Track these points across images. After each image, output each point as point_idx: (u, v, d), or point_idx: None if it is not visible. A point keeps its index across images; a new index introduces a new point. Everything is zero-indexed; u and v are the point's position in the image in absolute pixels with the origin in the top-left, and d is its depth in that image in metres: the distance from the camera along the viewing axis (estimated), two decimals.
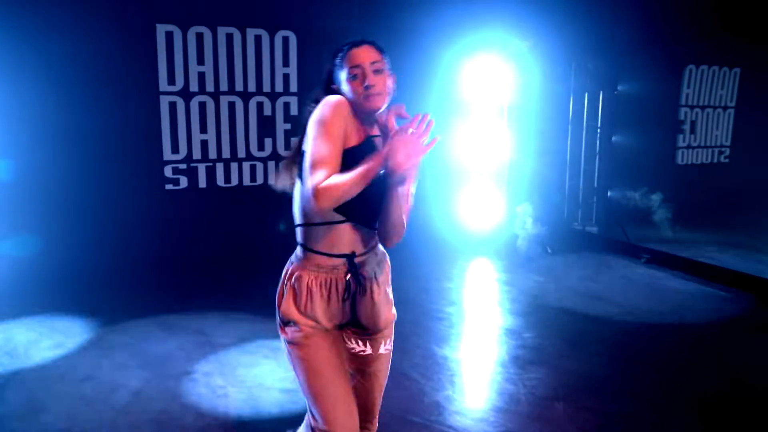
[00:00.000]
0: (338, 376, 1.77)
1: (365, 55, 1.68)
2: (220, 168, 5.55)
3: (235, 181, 5.63)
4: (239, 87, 5.51)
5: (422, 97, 5.98)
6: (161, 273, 5.08)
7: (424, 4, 5.68)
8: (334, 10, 5.68)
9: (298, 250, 1.78)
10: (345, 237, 1.72)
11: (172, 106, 5.32)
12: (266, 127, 5.71)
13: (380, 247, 1.86)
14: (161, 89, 5.24)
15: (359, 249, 1.75)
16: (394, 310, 1.92)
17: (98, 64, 4.92)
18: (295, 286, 1.75)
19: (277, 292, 1.80)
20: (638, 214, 6.68)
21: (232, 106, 5.54)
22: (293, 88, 5.74)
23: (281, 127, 5.78)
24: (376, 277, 1.80)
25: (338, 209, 1.64)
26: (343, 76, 1.69)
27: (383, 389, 1.93)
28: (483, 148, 6.13)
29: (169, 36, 5.20)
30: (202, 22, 5.28)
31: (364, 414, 1.89)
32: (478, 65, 5.95)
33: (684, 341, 3.82)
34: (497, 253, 5.86)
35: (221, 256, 5.36)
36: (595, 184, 6.82)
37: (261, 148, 5.75)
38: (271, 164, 5.79)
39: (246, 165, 5.69)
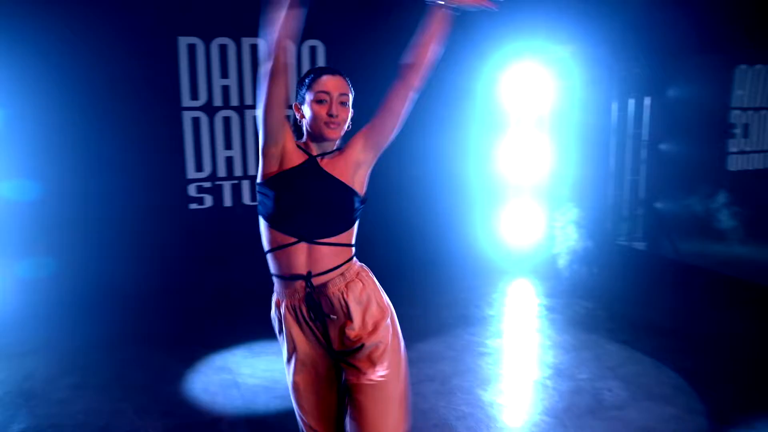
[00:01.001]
0: (312, 403, 1.82)
1: (336, 84, 1.76)
2: (246, 186, 5.29)
3: (246, 200, 5.36)
4: None
5: (461, 109, 5.68)
6: (183, 298, 4.85)
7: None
8: (363, 19, 5.37)
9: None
10: (299, 258, 1.73)
11: (195, 121, 5.07)
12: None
13: (354, 267, 1.80)
14: (183, 104, 5.00)
15: (317, 269, 1.73)
16: (384, 338, 1.77)
17: (118, 80, 4.70)
18: (276, 317, 1.84)
19: None
20: (688, 226, 6.24)
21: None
22: None
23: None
24: (345, 299, 1.74)
25: (286, 230, 1.71)
26: (308, 97, 1.76)
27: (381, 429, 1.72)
28: (523, 160, 5.76)
29: (192, 49, 4.95)
30: (225, 33, 5.02)
31: None
32: (517, 74, 5.59)
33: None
34: (539, 272, 5.49)
35: (248, 279, 5.10)
36: (642, 196, 6.39)
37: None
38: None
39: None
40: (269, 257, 1.78)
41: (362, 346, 1.73)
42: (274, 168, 1.74)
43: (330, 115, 1.73)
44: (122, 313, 4.55)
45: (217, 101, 5.10)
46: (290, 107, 1.78)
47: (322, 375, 1.81)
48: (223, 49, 5.05)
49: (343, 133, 1.80)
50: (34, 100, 4.47)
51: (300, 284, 1.73)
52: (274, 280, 1.80)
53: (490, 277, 5.41)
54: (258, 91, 1.69)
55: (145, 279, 4.82)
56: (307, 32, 5.16)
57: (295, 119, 1.83)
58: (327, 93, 1.74)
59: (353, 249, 1.82)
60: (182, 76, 4.95)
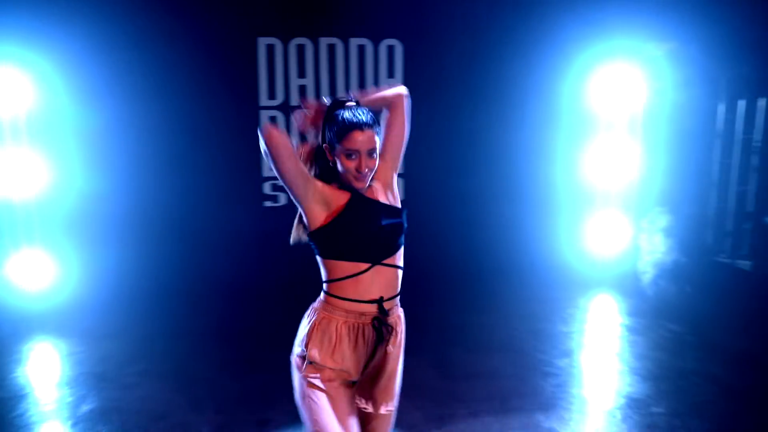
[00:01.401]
0: (345, 420, 1.85)
1: (365, 140, 1.80)
2: None
3: None
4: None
5: (547, 112, 5.38)
6: (254, 295, 4.96)
7: (544, 11, 5.05)
8: (443, 18, 5.22)
9: (323, 297, 1.89)
10: (370, 283, 1.84)
11: (272, 120, 5.16)
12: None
13: (400, 309, 1.96)
14: (261, 104, 5.10)
15: (387, 294, 1.86)
16: (398, 372, 1.96)
17: (198, 80, 4.87)
18: (324, 330, 1.85)
19: (303, 331, 1.89)
20: None
21: None
22: None
23: None
24: (397, 327, 1.91)
25: (355, 258, 1.82)
26: (338, 148, 1.82)
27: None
28: (613, 166, 5.36)
29: (270, 49, 5.03)
30: (303, 33, 5.05)
31: None
32: (607, 76, 5.19)
33: None
34: (624, 288, 5.09)
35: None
36: (750, 209, 5.72)
37: None
38: None
39: None
40: (333, 285, 1.86)
41: (384, 372, 1.89)
42: (323, 216, 1.84)
43: (358, 172, 1.81)
44: (191, 307, 4.72)
45: (294, 100, 5.16)
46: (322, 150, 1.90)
47: (348, 395, 1.90)
48: (300, 49, 5.09)
49: (369, 179, 1.88)
50: (127, 100, 4.73)
51: (370, 308, 1.84)
52: (335, 301, 1.85)
53: (571, 290, 5.09)
54: (270, 165, 1.78)
55: (220, 274, 4.98)
56: (385, 31, 5.18)
57: (324, 159, 1.90)
58: (356, 150, 1.80)
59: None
60: (260, 76, 5.05)
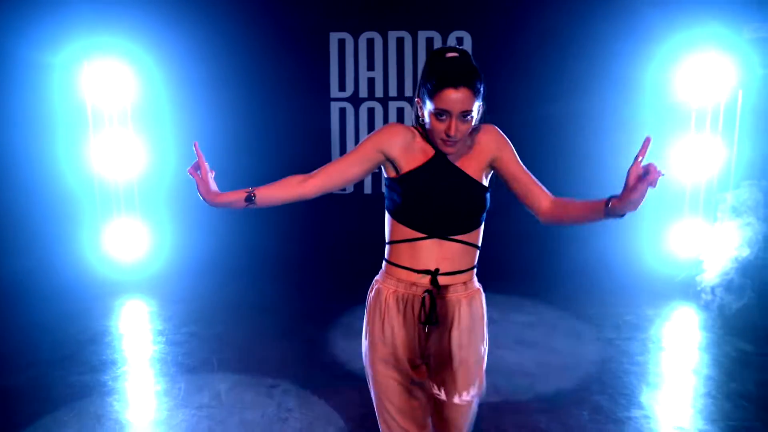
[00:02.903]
0: (403, 413, 1.77)
1: (459, 100, 1.58)
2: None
3: None
4: (408, 92, 5.32)
5: (630, 104, 5.02)
6: (312, 276, 5.22)
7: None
8: (515, 8, 5.08)
9: (383, 266, 1.81)
10: (427, 253, 1.71)
11: (342, 111, 5.39)
12: None
13: (476, 283, 1.80)
14: (332, 96, 5.35)
15: (444, 267, 1.72)
16: (479, 359, 1.81)
17: (277, 72, 5.25)
18: (376, 301, 1.78)
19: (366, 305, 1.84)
20: None
21: (400, 111, 5.38)
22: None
23: None
24: (460, 309, 1.74)
25: (415, 225, 1.70)
26: (429, 105, 1.62)
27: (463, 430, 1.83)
28: (694, 164, 4.84)
29: (341, 43, 5.27)
30: (373, 27, 5.22)
31: None
32: (695, 65, 4.69)
33: None
34: (704, 299, 4.55)
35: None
36: None
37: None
38: None
39: None
40: (392, 247, 1.76)
41: (453, 360, 1.75)
42: (398, 169, 1.72)
43: (448, 136, 1.61)
44: (251, 281, 5.10)
45: (363, 93, 5.34)
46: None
47: (409, 375, 1.79)
48: (370, 42, 5.27)
49: (459, 146, 1.68)
50: (216, 90, 5.24)
51: (423, 279, 1.72)
52: (390, 267, 1.77)
53: (648, 300, 4.61)
54: None
55: (283, 254, 5.32)
56: (454, 23, 5.17)
57: (420, 115, 1.72)
58: (448, 111, 1.59)
59: (478, 253, 1.79)
60: (332, 69, 5.31)
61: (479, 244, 1.78)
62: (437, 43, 5.25)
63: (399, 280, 1.74)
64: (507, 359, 3.61)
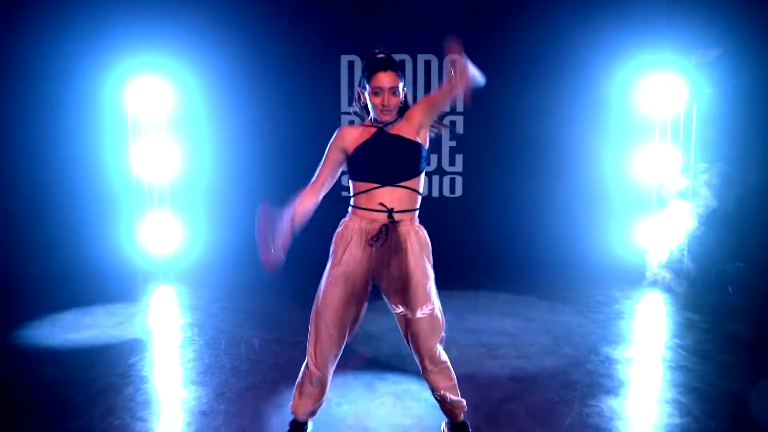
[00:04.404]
0: (334, 312, 2.36)
1: (387, 80, 2.30)
2: None
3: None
4: None
5: (600, 116, 5.81)
6: (317, 264, 5.90)
7: (594, 27, 5.54)
8: (502, 35, 5.90)
9: (349, 211, 2.42)
10: (382, 197, 2.32)
11: (350, 124, 6.15)
12: (432, 143, 6.13)
13: (418, 225, 2.41)
14: (342, 110, 6.13)
15: (399, 207, 2.32)
16: (427, 281, 2.37)
17: (295, 88, 6.02)
18: (342, 233, 2.39)
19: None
20: None
21: None
22: (460, 108, 6.08)
23: (446, 144, 6.18)
24: (409, 240, 2.33)
25: (369, 179, 2.33)
26: (368, 88, 2.34)
27: (431, 342, 2.38)
28: (658, 166, 5.58)
29: (351, 64, 6.06)
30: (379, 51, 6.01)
31: (418, 359, 2.43)
32: (653, 84, 5.48)
33: None
34: (656, 280, 5.24)
35: None
36: None
37: (428, 163, 6.22)
38: (436, 178, 6.22)
39: None
40: (356, 198, 2.38)
41: (411, 281, 2.32)
42: (347, 153, 2.42)
43: (383, 105, 2.30)
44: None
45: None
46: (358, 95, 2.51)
47: (355, 291, 2.37)
48: None
49: (395, 114, 2.36)
50: (242, 103, 6.01)
51: (382, 216, 2.31)
52: (355, 210, 2.39)
53: (618, 284, 5.29)
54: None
55: (296, 246, 6.01)
56: (421, 47, 5.96)
57: (363, 100, 2.43)
58: (380, 88, 2.29)
59: (420, 198, 2.40)
60: (342, 86, 6.09)
61: (420, 190, 2.38)
62: (434, 65, 6.05)
63: (362, 218, 2.34)
64: (492, 324, 4.30)
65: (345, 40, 6.06)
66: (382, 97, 2.30)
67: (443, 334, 2.43)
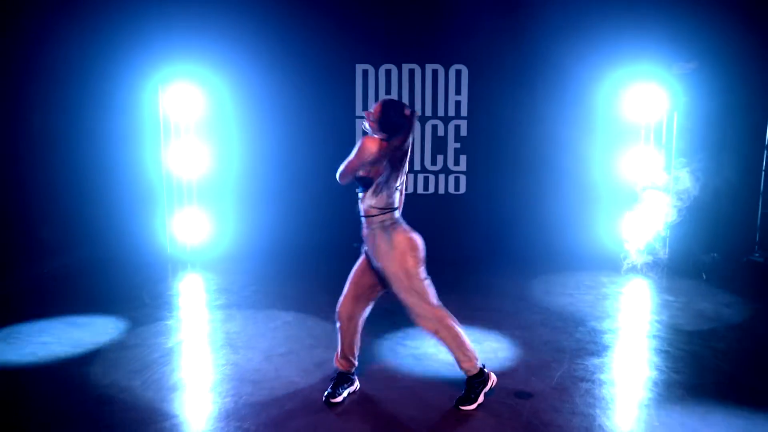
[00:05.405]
0: (353, 278, 3.16)
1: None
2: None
3: (410, 190, 6.82)
4: (418, 111, 6.70)
5: (590, 122, 6.44)
6: (338, 254, 6.51)
7: (583, 40, 6.17)
8: (502, 47, 6.53)
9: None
10: (359, 204, 3.10)
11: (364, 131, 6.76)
12: (439, 145, 6.79)
13: (380, 221, 3.03)
14: (357, 114, 6.74)
15: (363, 212, 3.09)
16: (392, 270, 3.04)
17: (314, 94, 6.63)
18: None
19: None
20: None
21: None
22: (464, 113, 6.71)
23: (452, 145, 6.79)
24: (374, 237, 3.03)
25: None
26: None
27: (408, 300, 3.06)
28: (643, 168, 6.21)
29: (365, 73, 6.68)
30: (390, 61, 6.64)
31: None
32: (637, 92, 6.11)
33: None
34: (635, 267, 5.86)
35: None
36: None
37: (434, 163, 6.84)
38: (442, 176, 6.84)
39: (420, 177, 6.84)
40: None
41: (384, 271, 3.07)
42: None
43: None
44: (293, 255, 6.40)
45: None
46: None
47: (367, 268, 3.16)
48: (388, 72, 6.68)
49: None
50: (266, 107, 6.62)
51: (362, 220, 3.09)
52: None
53: (606, 271, 5.88)
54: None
55: (315, 238, 6.63)
56: (454, 58, 6.59)
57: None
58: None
59: (376, 209, 3.04)
60: (357, 93, 6.70)
61: (373, 204, 3.04)
62: (441, 75, 6.67)
63: None
64: (493, 303, 4.92)
65: (360, 51, 6.67)
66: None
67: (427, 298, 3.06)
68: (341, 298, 3.19)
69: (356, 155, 2.97)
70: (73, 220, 6.30)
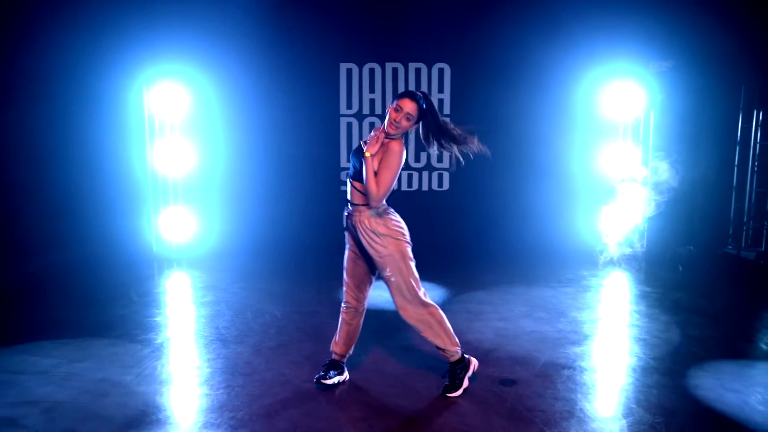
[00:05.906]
0: (347, 270, 3.26)
1: (407, 106, 3.04)
2: None
3: (394, 186, 6.89)
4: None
5: (566, 119, 6.59)
6: (325, 251, 6.60)
7: (562, 38, 6.32)
8: (483, 45, 6.65)
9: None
10: (348, 191, 3.15)
11: (349, 125, 6.85)
12: (422, 142, 6.86)
13: (368, 212, 3.09)
14: (341, 112, 6.82)
15: (352, 200, 3.14)
16: (382, 257, 3.13)
17: (298, 93, 6.71)
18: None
19: None
20: None
21: None
22: (446, 110, 6.82)
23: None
24: (356, 228, 3.11)
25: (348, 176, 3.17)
26: (392, 105, 3.07)
27: (395, 283, 3.15)
28: (620, 162, 6.38)
29: (349, 71, 6.76)
30: (373, 59, 6.73)
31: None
32: (615, 90, 6.27)
33: None
34: (612, 260, 6.03)
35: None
36: None
37: (417, 160, 6.95)
38: (425, 173, 6.95)
39: (404, 174, 6.95)
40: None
41: (373, 259, 3.15)
42: None
43: (395, 120, 3.02)
44: (279, 254, 6.45)
45: (366, 110, 6.82)
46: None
47: (357, 257, 3.23)
48: (371, 71, 6.76)
49: (400, 132, 3.05)
50: (250, 106, 6.69)
51: (349, 207, 3.14)
52: None
53: (585, 265, 6.05)
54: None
55: (301, 235, 6.70)
56: (436, 57, 6.71)
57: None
58: (401, 108, 3.01)
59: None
60: (341, 91, 6.78)
61: (360, 190, 3.09)
62: (424, 73, 6.78)
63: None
64: (477, 296, 5.04)
65: (343, 50, 6.75)
66: (396, 113, 3.01)
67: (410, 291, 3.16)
68: (345, 291, 3.30)
69: (395, 167, 3.09)
70: (58, 218, 6.28)
